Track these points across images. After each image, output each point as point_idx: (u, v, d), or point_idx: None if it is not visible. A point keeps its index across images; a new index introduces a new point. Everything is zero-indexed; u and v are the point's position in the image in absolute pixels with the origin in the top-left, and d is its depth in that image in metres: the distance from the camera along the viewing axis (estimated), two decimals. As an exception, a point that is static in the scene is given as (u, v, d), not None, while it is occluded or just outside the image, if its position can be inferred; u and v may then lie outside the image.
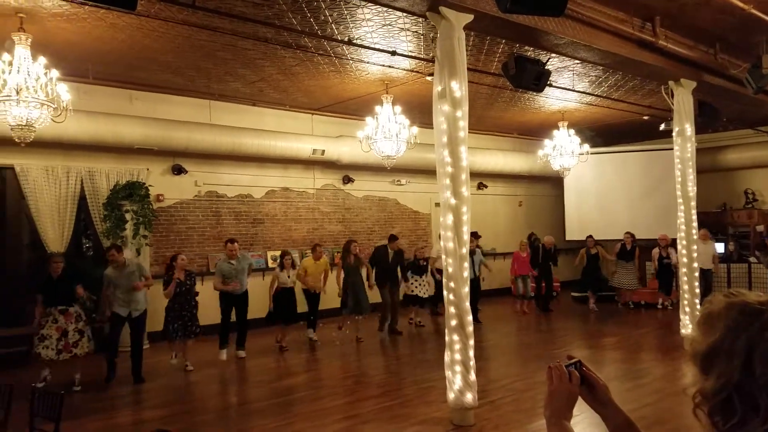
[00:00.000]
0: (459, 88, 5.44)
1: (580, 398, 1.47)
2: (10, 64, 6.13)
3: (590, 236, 12.69)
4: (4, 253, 9.05)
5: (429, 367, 7.73)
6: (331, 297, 9.99)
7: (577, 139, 11.79)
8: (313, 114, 11.61)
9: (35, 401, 3.74)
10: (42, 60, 6.23)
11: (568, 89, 9.94)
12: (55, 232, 8.90)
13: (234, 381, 7.78)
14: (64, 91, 6.37)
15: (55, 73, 6.31)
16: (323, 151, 11.28)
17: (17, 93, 6.05)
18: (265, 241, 11.33)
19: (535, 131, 13.83)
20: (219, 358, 8.34)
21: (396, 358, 8.87)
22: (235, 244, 8.61)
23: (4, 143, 7.87)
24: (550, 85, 8.65)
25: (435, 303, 11.46)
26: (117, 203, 9.18)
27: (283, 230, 11.55)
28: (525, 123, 13.23)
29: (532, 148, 13.93)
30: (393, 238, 10.43)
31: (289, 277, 9.06)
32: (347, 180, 12.38)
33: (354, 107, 10.88)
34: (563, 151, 11.72)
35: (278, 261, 9.33)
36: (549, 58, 7.87)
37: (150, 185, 9.58)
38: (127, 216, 9.18)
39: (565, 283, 14.56)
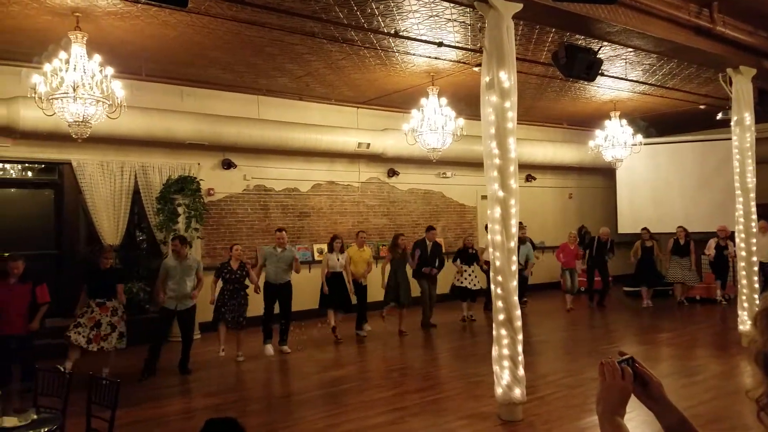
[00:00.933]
0: (508, 78, 5.33)
1: (633, 395, 1.43)
2: (67, 62, 6.35)
3: (645, 228, 12.29)
4: (62, 245, 9.42)
5: (477, 362, 7.65)
6: (376, 290, 10.02)
7: (629, 130, 11.44)
8: (358, 108, 11.64)
9: (92, 389, 3.88)
10: (97, 58, 6.44)
11: (621, 78, 9.64)
12: (110, 225, 9.23)
13: (282, 372, 7.90)
14: (119, 88, 6.58)
15: (109, 71, 6.51)
16: (368, 144, 11.30)
17: (74, 90, 6.26)
18: (312, 234, 11.46)
19: (586, 122, 13.49)
20: (265, 353, 8.33)
21: (443, 351, 8.83)
22: (284, 232, 8.69)
23: (62, 139, 8.21)
24: (602, 74, 8.42)
25: (488, 297, 11.30)
26: (169, 197, 9.43)
27: (329, 223, 11.65)
28: (575, 113, 12.92)
29: (582, 139, 13.59)
30: (430, 228, 10.35)
31: (338, 260, 9.12)
32: (392, 173, 12.37)
33: (399, 100, 10.84)
34: (615, 141, 11.38)
35: (328, 244, 9.41)
36: (601, 47, 7.64)
37: (201, 179, 9.80)
38: (180, 209, 9.42)
39: (617, 278, 14.17)
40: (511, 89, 5.37)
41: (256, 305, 8.71)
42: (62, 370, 6.37)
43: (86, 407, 3.85)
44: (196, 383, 7.21)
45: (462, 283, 10.56)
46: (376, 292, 10.09)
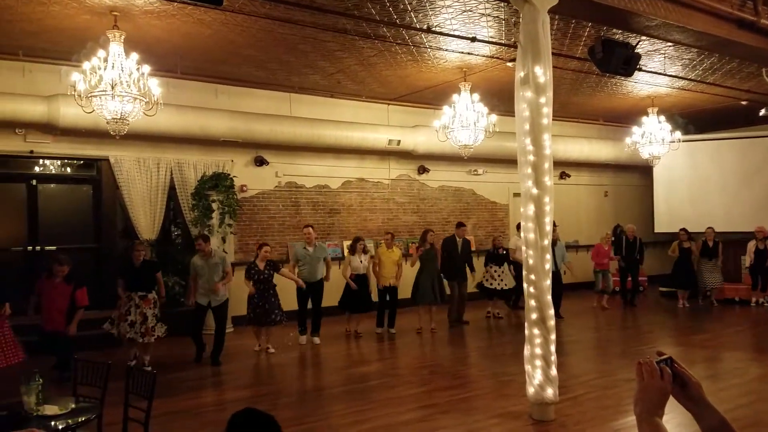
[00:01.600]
0: (543, 73, 5.24)
1: (671, 396, 1.41)
2: (105, 60, 6.49)
3: (683, 229, 12.00)
4: (100, 239, 9.65)
5: (507, 361, 7.59)
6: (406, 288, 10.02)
7: (668, 126, 11.20)
8: (389, 104, 11.63)
9: (130, 379, 3.96)
10: (134, 56, 6.56)
11: (659, 73, 9.43)
12: (146, 220, 9.42)
13: (312, 366, 7.96)
14: (155, 86, 6.69)
15: (146, 69, 6.62)
16: (399, 141, 11.28)
17: (112, 88, 6.40)
18: (341, 231, 11.49)
19: (623, 118, 13.23)
20: (299, 342, 8.70)
21: (472, 350, 8.76)
22: (310, 228, 8.79)
23: (100, 136, 8.41)
24: (640, 69, 8.24)
25: (516, 296, 11.15)
26: (204, 193, 9.59)
27: (359, 220, 11.67)
28: (612, 109, 12.68)
29: (619, 136, 13.37)
30: (460, 225, 10.28)
31: (361, 262, 9.18)
32: (422, 170, 12.32)
33: (431, 96, 10.79)
34: (653, 138, 11.16)
35: (350, 246, 9.48)
36: (639, 41, 7.47)
37: (234, 176, 9.93)
38: (214, 205, 9.57)
39: (653, 278, 13.88)
40: (547, 84, 5.28)
41: (289, 300, 8.82)
42: (131, 364, 6.62)
43: (124, 397, 3.93)
44: (228, 375, 7.31)
45: (492, 284, 10.45)
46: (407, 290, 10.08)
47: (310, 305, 8.84)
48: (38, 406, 3.67)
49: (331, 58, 8.56)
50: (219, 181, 9.65)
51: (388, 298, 9.49)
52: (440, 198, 12.72)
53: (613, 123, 14.12)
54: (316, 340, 8.78)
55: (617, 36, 7.37)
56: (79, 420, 3.65)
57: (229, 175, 9.84)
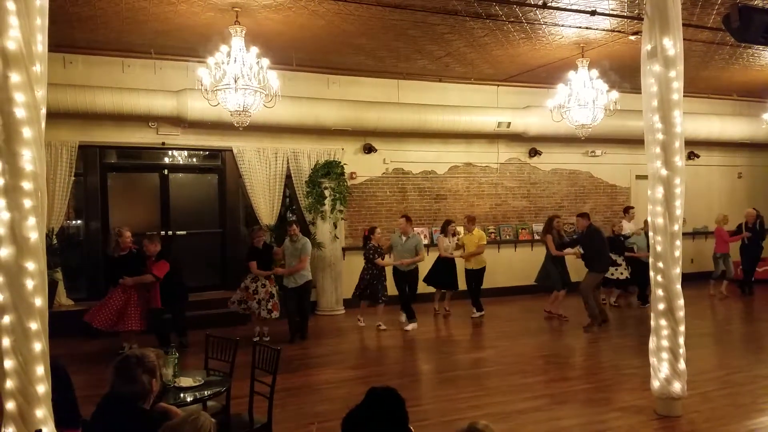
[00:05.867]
0: (672, 45, 4.86)
1: None
2: (228, 55, 6.85)
3: None
4: (225, 224, 10.25)
5: (629, 353, 7.21)
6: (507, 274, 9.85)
7: (814, 99, 10.02)
8: (498, 85, 11.34)
9: (256, 354, 4.19)
10: (254, 50, 6.87)
11: (806, 40, 8.42)
12: (266, 206, 9.93)
13: (422, 350, 7.97)
14: (274, 78, 6.97)
15: (265, 62, 6.91)
16: (509, 123, 10.99)
17: (235, 81, 6.75)
18: (448, 216, 11.36)
19: (760, 92, 12.01)
20: (406, 329, 8.73)
21: (590, 341, 8.38)
22: (402, 219, 9.00)
23: (223, 127, 8.94)
24: (783, 37, 7.41)
25: (642, 287, 10.28)
26: (317, 181, 9.93)
27: (466, 206, 11.52)
28: (747, 83, 11.54)
29: (755, 112, 12.19)
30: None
31: (449, 243, 9.45)
32: (534, 153, 11.93)
33: (544, 75, 10.38)
34: (796, 113, 10.05)
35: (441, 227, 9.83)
36: (783, 5, 6.71)
37: (345, 164, 10.17)
38: (326, 192, 9.88)
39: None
40: (677, 57, 4.88)
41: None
42: (256, 339, 7.03)
43: (250, 372, 4.16)
44: (340, 355, 7.53)
45: (613, 274, 9.86)
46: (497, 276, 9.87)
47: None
48: (175, 377, 3.99)
49: (440, 41, 8.48)
50: (331, 169, 9.94)
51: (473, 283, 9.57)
52: (553, 182, 12.26)
53: (748, 98, 12.85)
54: (408, 326, 8.78)
55: (756, 2, 6.67)
56: (207, 393, 3.90)
57: (340, 162, 10.10)
